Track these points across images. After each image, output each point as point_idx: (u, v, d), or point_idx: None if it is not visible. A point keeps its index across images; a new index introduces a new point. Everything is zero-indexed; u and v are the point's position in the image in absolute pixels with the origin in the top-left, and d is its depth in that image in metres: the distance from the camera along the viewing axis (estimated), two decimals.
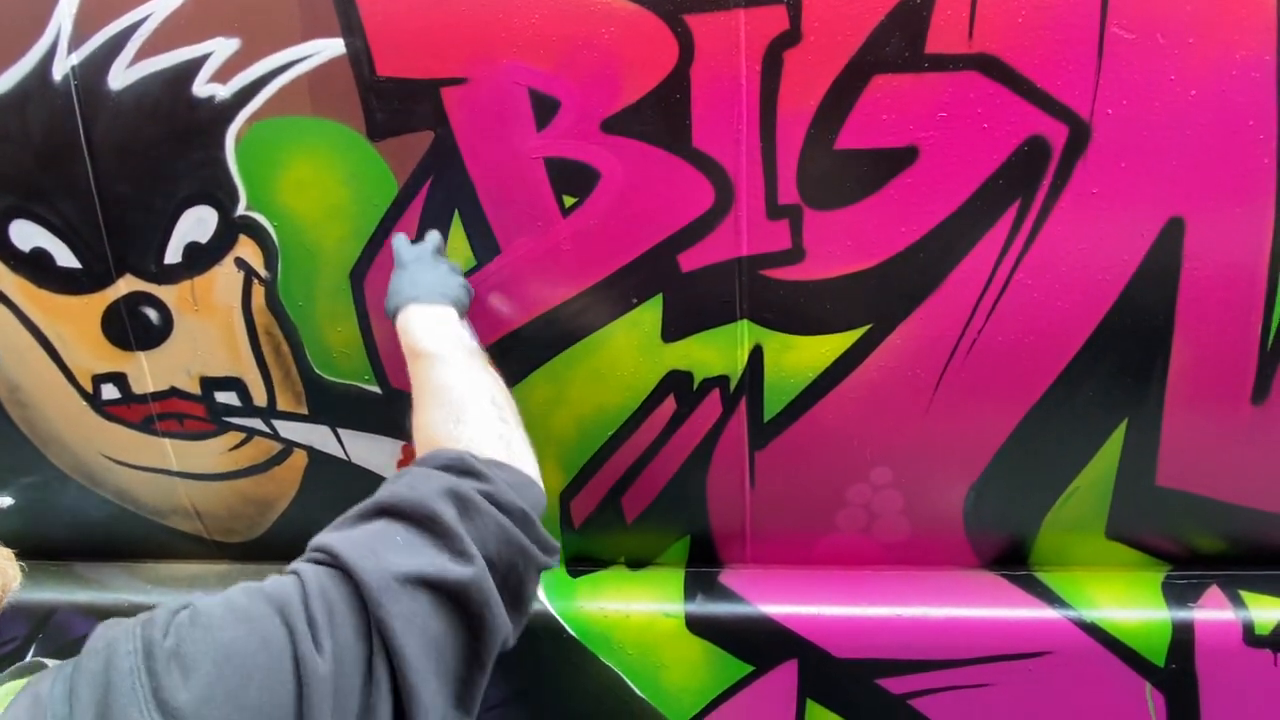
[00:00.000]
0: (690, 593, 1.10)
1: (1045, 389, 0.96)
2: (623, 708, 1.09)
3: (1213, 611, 0.99)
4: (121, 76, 0.98)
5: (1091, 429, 0.98)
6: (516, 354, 1.03)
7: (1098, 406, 0.97)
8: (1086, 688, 1.01)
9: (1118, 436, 0.98)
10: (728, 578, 1.13)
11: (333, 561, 0.46)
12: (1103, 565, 1.07)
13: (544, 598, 1.12)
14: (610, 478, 1.09)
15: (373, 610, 0.43)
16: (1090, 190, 0.88)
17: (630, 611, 1.09)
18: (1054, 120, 0.86)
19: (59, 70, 0.98)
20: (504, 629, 0.50)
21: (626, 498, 1.10)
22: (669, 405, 1.04)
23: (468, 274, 1.00)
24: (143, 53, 0.97)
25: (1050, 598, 1.03)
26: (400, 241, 0.92)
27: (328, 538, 0.49)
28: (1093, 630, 1.00)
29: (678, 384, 1.02)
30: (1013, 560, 1.10)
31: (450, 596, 0.46)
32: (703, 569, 1.15)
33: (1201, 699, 0.99)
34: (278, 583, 0.45)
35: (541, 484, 0.64)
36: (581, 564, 1.17)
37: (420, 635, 0.44)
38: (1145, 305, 0.92)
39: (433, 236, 0.92)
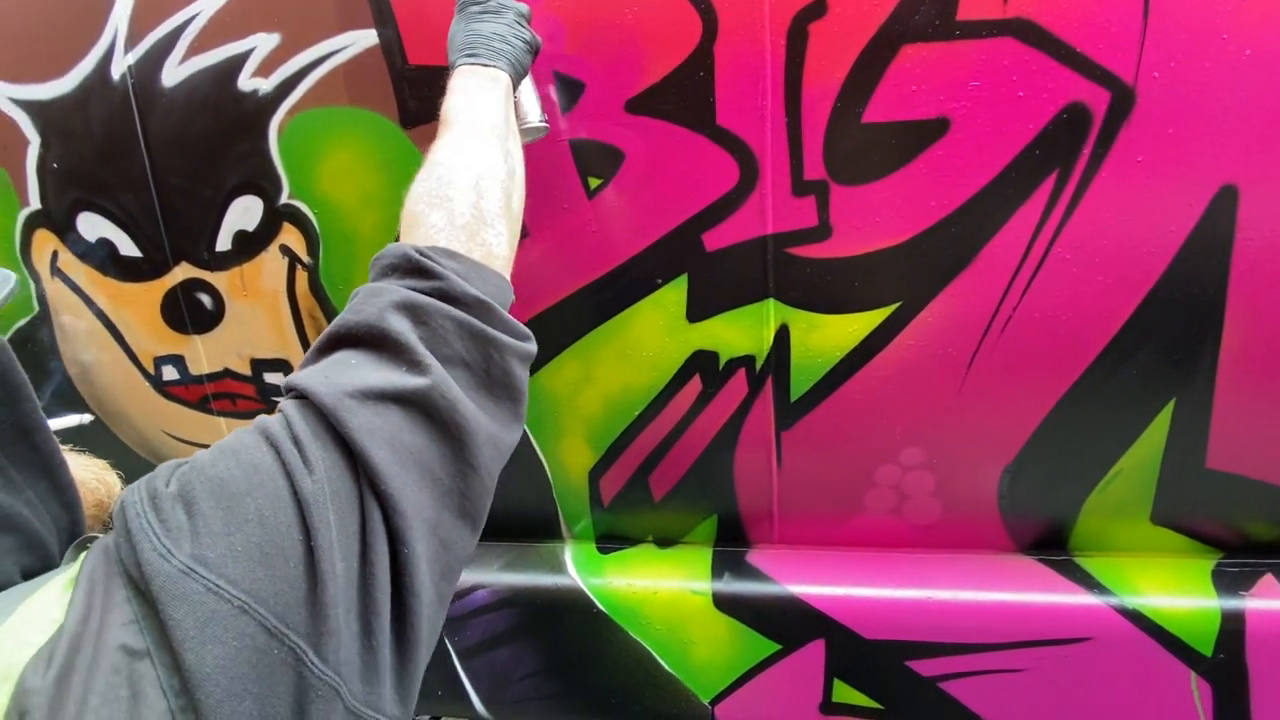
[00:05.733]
0: (718, 571, 1.11)
1: (1085, 368, 0.93)
2: (650, 681, 1.11)
3: (1266, 600, 0.95)
4: (173, 73, 1.04)
5: (1135, 409, 0.95)
6: (543, 335, 1.04)
7: (1142, 386, 0.93)
8: (1128, 676, 0.98)
9: (1164, 417, 0.94)
10: (755, 557, 1.13)
11: (297, 393, 0.46)
12: (1148, 551, 1.03)
13: (573, 572, 1.15)
14: (637, 457, 1.10)
15: (336, 424, 0.43)
16: (1135, 158, 0.84)
17: (658, 588, 1.11)
18: (1095, 86, 0.83)
19: (117, 69, 1.05)
20: (485, 431, 0.48)
21: (654, 477, 1.12)
22: (695, 385, 1.04)
23: None
24: (192, 50, 1.02)
25: (1090, 583, 1.00)
26: None
27: (293, 377, 0.48)
28: (1135, 617, 0.97)
29: (703, 364, 1.03)
30: (1051, 545, 1.06)
31: (417, 408, 0.46)
32: (730, 548, 1.16)
33: (1252, 690, 0.94)
34: (259, 421, 0.45)
35: (506, 273, 0.60)
36: (610, 541, 1.20)
37: (388, 444, 0.44)
38: (1195, 278, 0.87)
39: None
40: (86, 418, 0.62)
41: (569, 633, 1.13)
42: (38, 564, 0.41)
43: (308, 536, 0.39)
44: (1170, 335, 0.90)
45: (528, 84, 0.86)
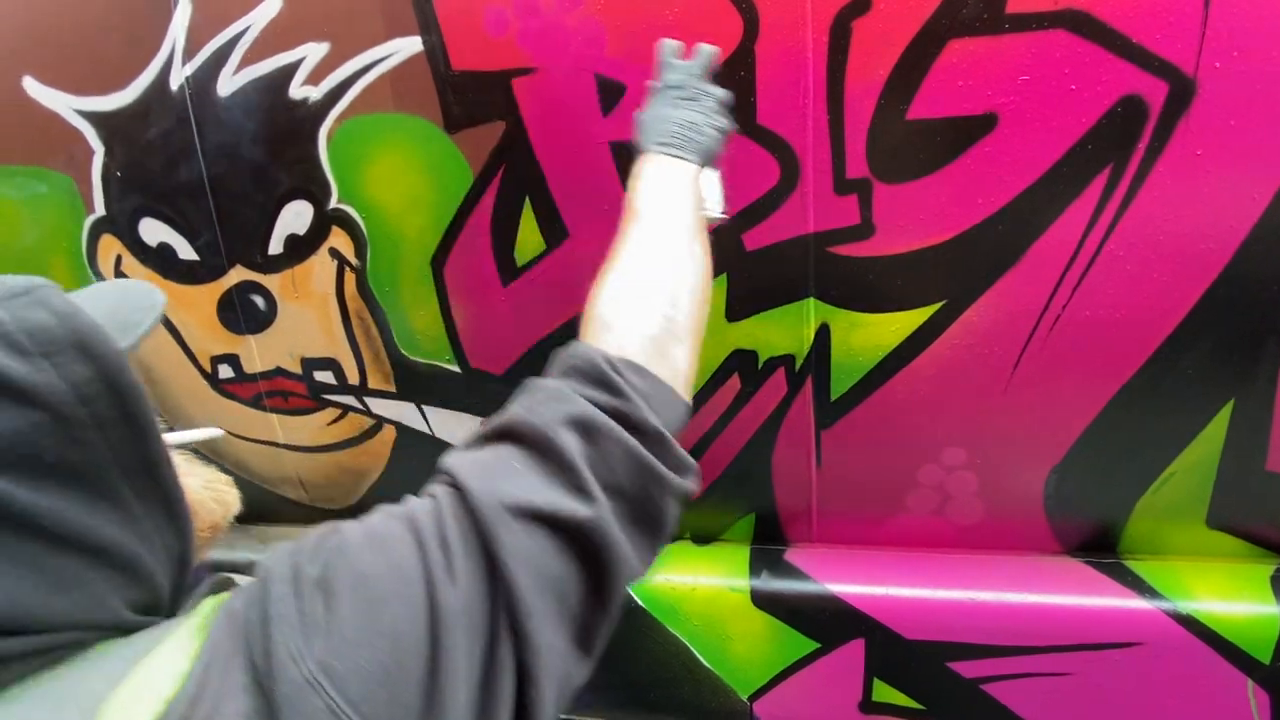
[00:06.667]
0: (756, 569, 1.12)
1: (1138, 367, 0.91)
2: (689, 676, 1.13)
3: None
4: (228, 83, 1.08)
5: (1191, 410, 0.92)
6: None
7: (1199, 386, 0.90)
8: (1180, 682, 0.95)
9: (1222, 418, 0.91)
10: (794, 555, 1.13)
11: (453, 482, 0.44)
12: (1204, 555, 1.01)
13: None
14: None
15: (485, 538, 0.41)
16: (1194, 152, 0.82)
17: (697, 585, 1.12)
18: (1152, 77, 0.80)
19: (175, 81, 1.09)
20: (628, 569, 0.46)
21: None
22: (733, 384, 1.05)
23: (537, 260, 1.04)
24: (245, 60, 1.06)
25: (1141, 587, 0.98)
26: (668, 53, 0.79)
27: (450, 459, 0.46)
28: (1188, 622, 0.94)
29: (743, 363, 1.03)
30: (1100, 548, 1.04)
31: (570, 538, 0.44)
32: (768, 546, 1.16)
33: None
34: (412, 504, 0.44)
35: (688, 396, 0.57)
36: None
37: (534, 572, 0.42)
38: (1256, 276, 0.84)
39: (704, 53, 0.79)
40: (219, 431, 0.60)
41: None
42: (145, 597, 0.40)
43: (435, 657, 0.38)
44: (1229, 334, 0.87)
45: (712, 171, 0.80)
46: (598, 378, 0.50)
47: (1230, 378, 0.89)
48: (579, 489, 0.45)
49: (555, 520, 0.43)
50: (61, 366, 0.36)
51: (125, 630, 0.38)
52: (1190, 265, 0.85)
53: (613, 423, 0.48)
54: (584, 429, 0.47)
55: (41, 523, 0.35)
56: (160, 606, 0.41)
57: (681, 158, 0.72)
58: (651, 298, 0.59)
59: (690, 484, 0.51)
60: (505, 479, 0.44)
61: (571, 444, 0.46)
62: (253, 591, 0.38)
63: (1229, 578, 0.97)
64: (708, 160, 0.75)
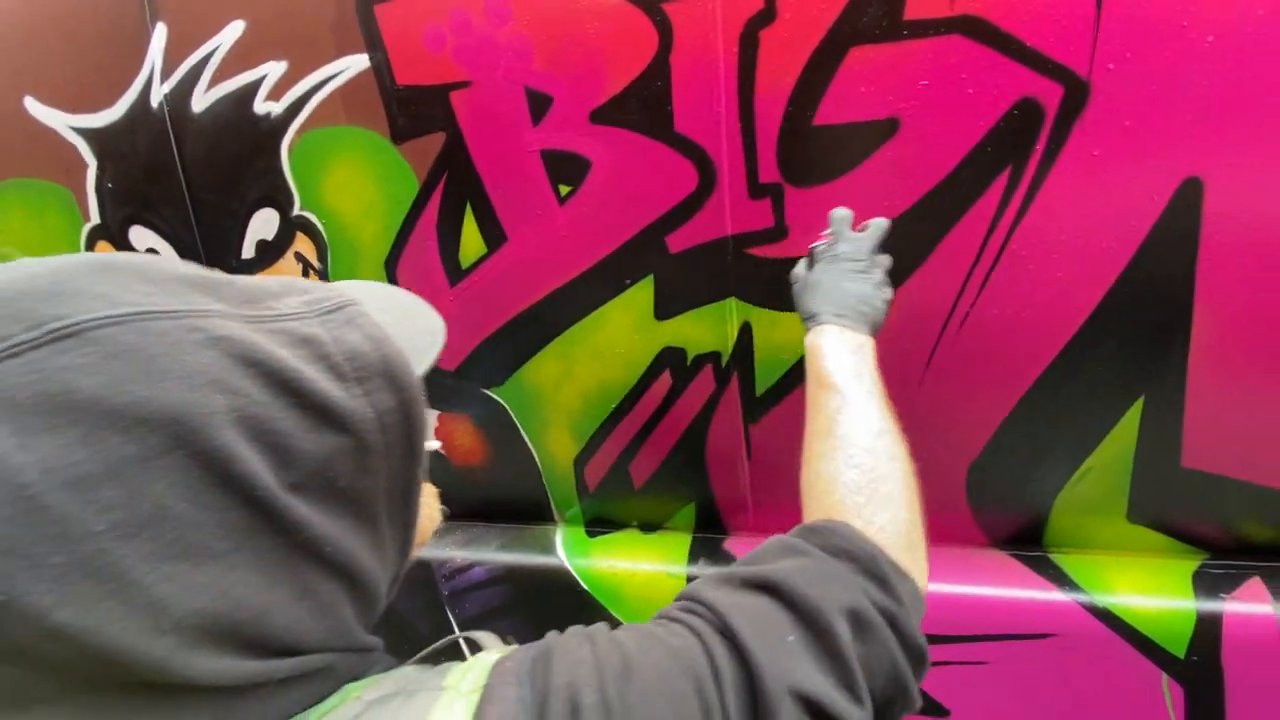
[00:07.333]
0: (694, 556, 1.17)
1: (1046, 365, 0.92)
2: None
3: (1246, 604, 0.92)
4: (201, 100, 1.16)
5: (1102, 407, 0.93)
6: (524, 333, 1.12)
7: (1108, 383, 0.91)
8: (1094, 674, 0.97)
9: (1133, 415, 0.92)
10: (732, 544, 1.18)
11: (726, 632, 0.42)
12: (1129, 550, 1.02)
13: (561, 554, 1.23)
14: (616, 447, 1.17)
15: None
16: (1091, 153, 0.83)
17: (637, 570, 1.18)
18: (1047, 80, 0.82)
19: (155, 98, 1.18)
20: None
21: (633, 465, 1.18)
22: (665, 380, 1.09)
23: (479, 262, 1.11)
24: (215, 79, 1.14)
25: (1060, 579, 1.00)
26: (842, 223, 0.82)
27: (716, 597, 0.45)
28: (1104, 615, 0.96)
29: (672, 360, 1.08)
30: (1027, 541, 1.06)
31: None
32: (709, 535, 1.21)
33: (1227, 694, 0.92)
34: (686, 645, 0.42)
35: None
36: (600, 525, 1.27)
37: None
38: (1160, 273, 0.85)
39: (876, 227, 0.81)
40: (438, 444, 0.61)
41: (556, 609, 1.21)
42: (370, 616, 0.41)
43: None
44: (1136, 332, 0.88)
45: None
46: (875, 572, 0.49)
47: (1139, 375, 0.90)
48: (851, 688, 0.43)
49: (826, 715, 0.42)
50: (373, 394, 0.36)
51: (357, 650, 0.39)
52: (1093, 264, 0.87)
53: (886, 628, 0.47)
54: (859, 624, 0.46)
55: (323, 548, 0.35)
56: (374, 623, 0.42)
57: (855, 329, 0.74)
58: (896, 490, 0.59)
59: (919, 703, 0.49)
60: (786, 656, 0.43)
61: (846, 637, 0.44)
62: (553, 708, 0.36)
63: (1150, 573, 0.98)
64: (875, 331, 0.77)
